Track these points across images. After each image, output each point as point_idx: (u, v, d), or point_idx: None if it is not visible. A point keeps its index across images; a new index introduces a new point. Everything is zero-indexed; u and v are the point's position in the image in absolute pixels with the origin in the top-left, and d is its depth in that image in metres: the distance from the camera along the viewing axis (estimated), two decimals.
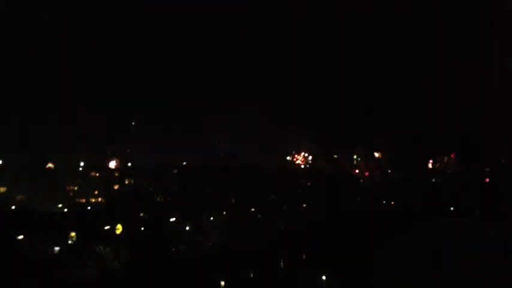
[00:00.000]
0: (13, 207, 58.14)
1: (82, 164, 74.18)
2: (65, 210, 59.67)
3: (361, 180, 59.42)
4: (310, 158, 74.80)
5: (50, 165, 73.20)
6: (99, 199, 68.24)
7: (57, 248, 40.10)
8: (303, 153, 77.04)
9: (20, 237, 38.71)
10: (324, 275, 36.74)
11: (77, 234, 42.80)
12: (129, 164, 77.50)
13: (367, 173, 59.23)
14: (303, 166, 75.95)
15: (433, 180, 49.32)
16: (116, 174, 74.54)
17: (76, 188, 70.53)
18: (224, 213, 53.07)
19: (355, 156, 60.35)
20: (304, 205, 54.42)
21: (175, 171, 72.22)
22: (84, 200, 67.69)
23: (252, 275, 39.07)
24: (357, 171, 60.34)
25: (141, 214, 51.51)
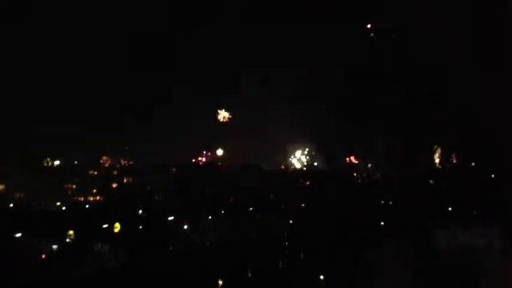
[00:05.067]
0: (11, 205, 58.11)
1: (81, 162, 74.22)
2: (63, 208, 59.64)
3: (359, 181, 59.43)
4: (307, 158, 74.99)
5: (48, 163, 73.22)
6: (98, 198, 68.18)
7: (55, 247, 40.04)
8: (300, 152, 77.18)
9: (18, 235, 38.64)
10: (322, 275, 36.75)
11: (75, 233, 42.73)
12: (128, 163, 77.56)
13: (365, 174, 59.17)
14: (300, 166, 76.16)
15: (432, 180, 49.39)
16: (115, 173, 74.55)
17: (74, 187, 70.47)
18: (222, 212, 53.07)
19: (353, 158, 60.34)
20: (303, 205, 54.37)
21: (173, 170, 72.23)
22: (82, 199, 67.65)
23: (250, 275, 39.09)
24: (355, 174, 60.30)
25: (139, 213, 51.52)
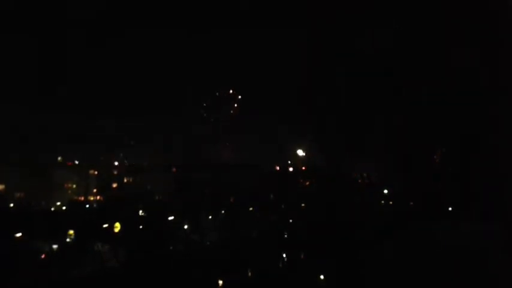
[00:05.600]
0: (11, 204, 58.08)
1: (81, 162, 74.18)
2: (64, 208, 59.61)
3: (359, 181, 59.54)
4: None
5: (49, 162, 73.24)
6: (98, 197, 68.15)
7: (55, 246, 40.08)
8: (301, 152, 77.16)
9: (18, 234, 38.70)
10: (321, 274, 36.75)
11: (75, 233, 42.78)
12: (129, 163, 77.56)
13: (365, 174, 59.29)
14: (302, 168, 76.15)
15: (432, 180, 49.41)
16: (115, 173, 74.54)
17: (74, 186, 70.45)
18: (223, 212, 53.11)
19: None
20: (303, 204, 54.42)
21: (173, 169, 72.23)
22: (82, 198, 67.60)
23: (250, 274, 39.07)
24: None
25: (140, 213, 51.54)
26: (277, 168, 75.00)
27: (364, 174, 60.03)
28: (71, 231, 43.03)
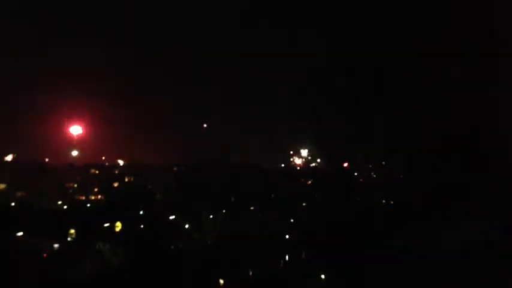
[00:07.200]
0: (13, 204, 58.23)
1: (82, 161, 74.46)
2: (65, 207, 59.76)
3: (361, 180, 59.57)
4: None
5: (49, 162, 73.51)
6: (99, 196, 68.31)
7: (56, 245, 40.18)
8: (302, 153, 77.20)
9: (20, 233, 38.80)
10: (323, 273, 36.81)
11: (76, 232, 42.89)
12: (129, 162, 77.83)
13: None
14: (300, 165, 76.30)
15: (433, 180, 49.44)
16: (116, 172, 74.78)
17: (76, 186, 70.63)
18: (224, 211, 53.19)
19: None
20: (304, 204, 54.53)
21: (174, 169, 72.45)
22: (83, 197, 67.75)
23: (251, 273, 39.15)
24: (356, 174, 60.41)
25: (141, 212, 51.65)
26: (279, 167, 75.17)
27: (366, 174, 60.12)
28: (72, 230, 43.15)
